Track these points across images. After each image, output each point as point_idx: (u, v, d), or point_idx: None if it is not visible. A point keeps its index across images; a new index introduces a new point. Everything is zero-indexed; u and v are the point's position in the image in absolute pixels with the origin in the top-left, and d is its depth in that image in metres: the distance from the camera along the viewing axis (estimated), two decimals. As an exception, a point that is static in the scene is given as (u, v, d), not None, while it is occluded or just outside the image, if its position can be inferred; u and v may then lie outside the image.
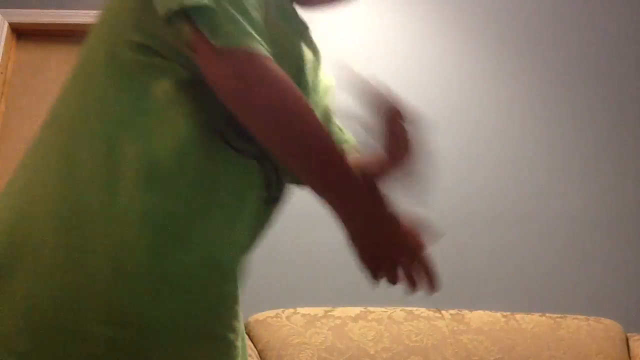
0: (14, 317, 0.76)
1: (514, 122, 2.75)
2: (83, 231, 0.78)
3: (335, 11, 1.16)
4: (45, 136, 0.89)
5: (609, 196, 2.62)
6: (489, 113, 2.77)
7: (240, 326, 0.92)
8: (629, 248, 2.54)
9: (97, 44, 0.90)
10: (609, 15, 2.85)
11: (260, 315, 2.25)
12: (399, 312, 2.31)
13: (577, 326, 2.27)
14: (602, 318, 2.32)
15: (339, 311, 2.30)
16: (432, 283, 0.92)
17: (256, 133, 0.82)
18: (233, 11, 0.81)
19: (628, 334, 2.31)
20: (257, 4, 0.86)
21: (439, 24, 2.90)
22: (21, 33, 3.13)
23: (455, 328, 2.27)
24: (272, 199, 0.94)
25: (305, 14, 1.04)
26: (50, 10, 3.05)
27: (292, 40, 0.96)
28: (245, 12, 0.83)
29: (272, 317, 2.25)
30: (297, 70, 0.95)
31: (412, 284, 0.91)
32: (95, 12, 3.18)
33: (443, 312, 2.33)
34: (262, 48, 0.81)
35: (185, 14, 0.80)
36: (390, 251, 0.88)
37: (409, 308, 2.33)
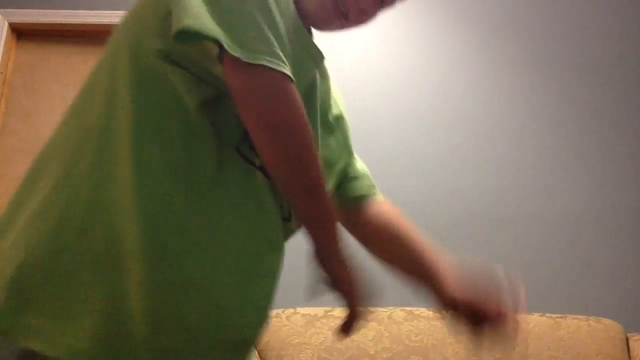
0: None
1: (515, 122, 2.75)
2: (118, 236, 0.81)
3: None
4: (68, 133, 0.90)
5: (609, 196, 2.62)
6: (491, 112, 2.77)
7: None
8: (630, 248, 2.54)
9: (122, 47, 0.90)
10: (610, 14, 2.85)
11: (260, 315, 2.25)
12: (399, 312, 2.31)
13: (577, 326, 2.27)
14: (602, 318, 2.32)
15: (339, 311, 2.30)
16: (349, 326, 0.96)
17: (257, 147, 0.86)
18: (260, 24, 0.84)
19: (628, 334, 2.31)
20: (283, 21, 0.89)
21: (439, 24, 2.90)
22: (21, 33, 3.13)
23: (455, 328, 2.27)
24: (284, 218, 0.97)
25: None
26: (50, 10, 3.05)
27: (307, 65, 0.98)
28: (273, 26, 0.86)
29: (272, 317, 2.25)
30: (307, 95, 0.98)
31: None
32: (95, 12, 3.19)
33: (443, 312, 2.33)
34: (283, 65, 0.84)
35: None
36: (336, 282, 0.94)
37: (409, 308, 2.33)
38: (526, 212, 2.62)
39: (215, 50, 0.84)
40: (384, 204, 1.19)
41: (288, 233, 1.00)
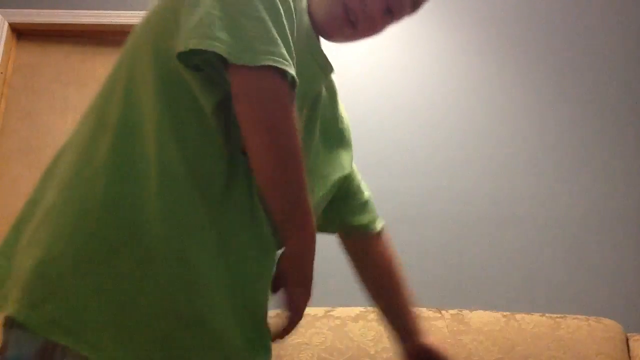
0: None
1: (516, 122, 2.75)
2: (141, 237, 0.82)
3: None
4: (85, 131, 0.91)
5: (609, 197, 2.62)
6: (491, 113, 2.77)
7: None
8: (629, 248, 2.54)
9: (144, 45, 0.91)
10: (611, 15, 2.85)
11: (260, 315, 2.25)
12: (399, 312, 2.30)
13: (577, 326, 2.27)
14: (602, 318, 2.32)
15: (339, 311, 2.30)
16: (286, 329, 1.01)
17: (248, 146, 0.86)
18: (267, 26, 0.84)
19: (628, 334, 2.31)
20: (291, 26, 0.89)
21: (440, 24, 2.90)
22: (21, 33, 3.13)
23: (455, 328, 2.27)
24: None
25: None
26: (50, 10, 3.05)
27: (315, 76, 1.00)
28: (280, 26, 0.86)
29: (271, 317, 2.25)
30: (312, 105, 1.00)
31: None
32: (95, 12, 3.19)
33: (443, 312, 2.33)
34: (287, 64, 0.84)
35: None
36: (296, 290, 0.96)
37: (409, 308, 2.33)
38: (526, 212, 2.62)
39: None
40: (385, 244, 1.27)
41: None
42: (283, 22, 0.86)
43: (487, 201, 2.64)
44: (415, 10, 1.06)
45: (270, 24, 0.84)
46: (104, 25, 3.01)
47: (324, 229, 1.20)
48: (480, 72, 2.83)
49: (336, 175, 1.12)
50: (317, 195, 1.06)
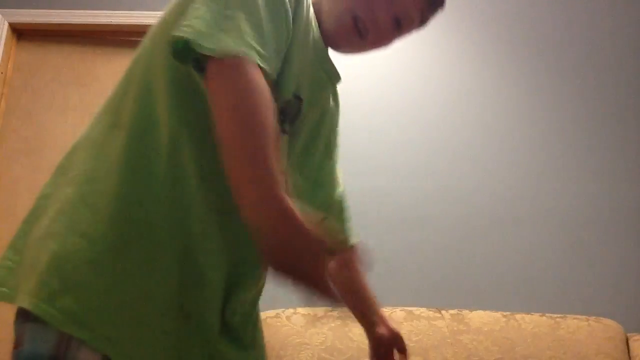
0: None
1: (517, 123, 2.75)
2: (151, 234, 0.85)
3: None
4: (100, 129, 0.92)
5: (610, 196, 2.62)
6: (489, 114, 2.77)
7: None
8: (629, 248, 2.54)
9: (160, 45, 0.92)
10: (611, 15, 2.85)
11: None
12: (399, 312, 2.30)
13: (577, 326, 2.27)
14: (602, 318, 2.32)
15: (339, 311, 2.30)
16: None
17: (218, 133, 0.82)
18: (243, 25, 0.84)
19: (628, 334, 2.31)
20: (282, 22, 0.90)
21: (441, 26, 2.89)
22: (21, 33, 3.13)
23: (455, 328, 2.27)
24: None
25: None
26: (50, 10, 3.05)
27: (324, 86, 1.03)
28: (257, 26, 0.85)
29: (272, 317, 2.25)
30: (321, 114, 1.03)
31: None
32: (94, 12, 3.18)
33: (443, 312, 2.33)
34: (254, 56, 0.83)
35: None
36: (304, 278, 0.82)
37: (409, 308, 2.33)
38: (527, 212, 2.62)
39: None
40: (354, 259, 1.30)
41: None
42: (260, 15, 0.86)
43: (487, 201, 2.64)
44: (422, 24, 1.08)
45: (247, 17, 0.85)
46: (104, 25, 3.01)
47: None
48: (481, 73, 2.83)
49: (328, 189, 1.17)
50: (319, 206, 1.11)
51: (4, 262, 0.88)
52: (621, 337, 2.27)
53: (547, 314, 2.33)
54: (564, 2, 2.89)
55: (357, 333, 2.22)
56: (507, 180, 2.67)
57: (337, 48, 1.06)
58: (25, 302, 0.81)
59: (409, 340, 2.21)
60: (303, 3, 0.96)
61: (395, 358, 1.28)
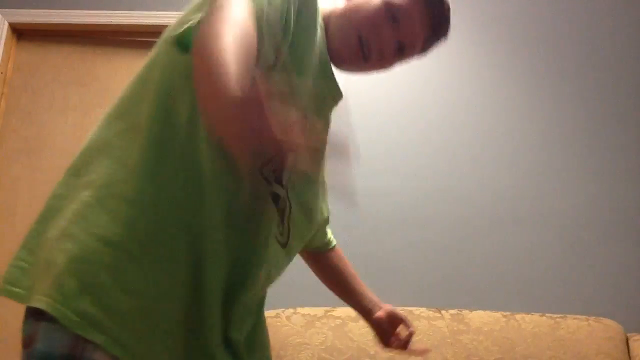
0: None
1: (517, 123, 2.75)
2: (166, 240, 0.86)
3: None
4: (116, 130, 0.91)
5: (610, 196, 2.62)
6: (489, 114, 2.77)
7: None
8: (629, 248, 2.54)
9: (174, 49, 0.92)
10: (612, 15, 2.85)
11: (260, 315, 2.25)
12: (399, 312, 2.30)
13: (577, 326, 2.27)
14: (602, 318, 2.32)
15: (339, 311, 2.30)
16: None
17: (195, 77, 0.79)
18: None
19: (628, 334, 2.31)
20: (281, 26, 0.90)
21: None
22: (21, 33, 3.13)
23: (455, 328, 2.27)
24: (281, 243, 1.02)
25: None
26: (50, 10, 3.05)
27: (326, 101, 1.05)
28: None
29: (272, 317, 2.25)
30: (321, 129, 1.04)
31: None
32: (94, 12, 3.18)
33: (443, 312, 2.33)
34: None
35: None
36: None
37: (409, 308, 2.33)
38: (526, 212, 2.62)
39: None
40: (338, 255, 1.38)
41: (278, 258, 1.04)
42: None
43: (487, 202, 2.64)
44: (424, 52, 1.09)
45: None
46: (104, 25, 3.01)
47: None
48: (481, 73, 2.83)
49: (325, 211, 1.20)
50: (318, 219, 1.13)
51: (18, 263, 0.88)
52: (621, 337, 2.27)
53: (547, 314, 2.33)
54: (564, 2, 2.89)
55: (357, 333, 2.23)
56: (507, 180, 2.67)
57: (338, 65, 1.07)
58: (42, 303, 0.80)
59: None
60: (310, 6, 0.96)
61: (401, 336, 1.30)
